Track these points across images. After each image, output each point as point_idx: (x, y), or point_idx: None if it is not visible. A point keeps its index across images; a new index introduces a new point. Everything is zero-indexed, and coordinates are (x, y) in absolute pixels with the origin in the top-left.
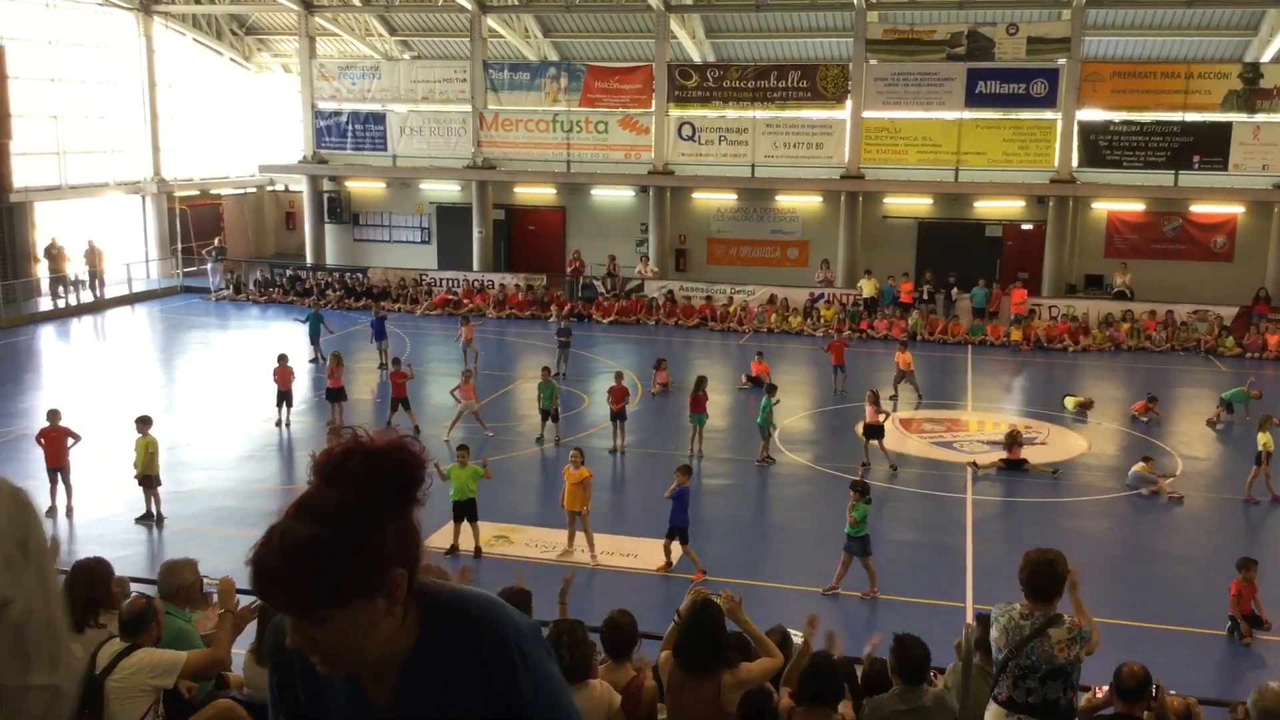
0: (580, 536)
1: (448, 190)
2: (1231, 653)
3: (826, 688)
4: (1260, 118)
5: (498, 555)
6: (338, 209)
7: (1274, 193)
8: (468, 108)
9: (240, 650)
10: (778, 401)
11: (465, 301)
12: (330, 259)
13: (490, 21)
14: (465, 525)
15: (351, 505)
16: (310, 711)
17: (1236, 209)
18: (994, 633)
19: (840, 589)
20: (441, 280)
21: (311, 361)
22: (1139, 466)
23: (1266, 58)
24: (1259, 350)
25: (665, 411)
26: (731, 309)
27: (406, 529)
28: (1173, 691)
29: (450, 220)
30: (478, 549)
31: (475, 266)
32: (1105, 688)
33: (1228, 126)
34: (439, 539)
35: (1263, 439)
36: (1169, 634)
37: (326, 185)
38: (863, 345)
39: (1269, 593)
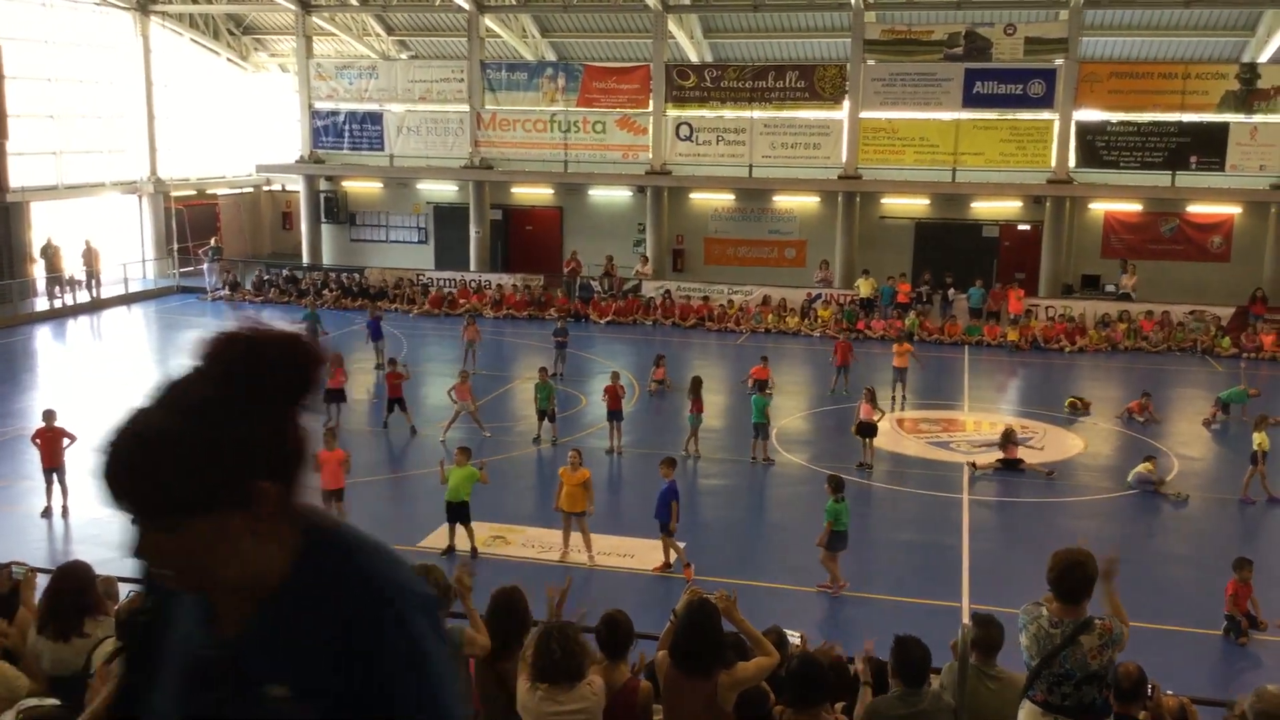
0: (575, 538)
1: (445, 190)
2: (1227, 653)
3: (814, 689)
4: (1258, 118)
5: (495, 556)
6: (334, 209)
7: (1271, 193)
8: (465, 108)
9: None
10: (770, 394)
11: (463, 301)
12: (327, 259)
13: (488, 21)
14: (460, 528)
15: (220, 400)
16: (160, 634)
17: (1233, 209)
18: (1023, 640)
19: (838, 588)
20: (438, 280)
21: None
22: (1142, 467)
23: (1264, 58)
24: (1255, 350)
25: (662, 411)
26: (729, 309)
27: (287, 436)
28: (1169, 691)
29: (447, 220)
30: (474, 550)
31: (472, 266)
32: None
33: (1225, 127)
34: (435, 539)
35: (1258, 439)
36: (1165, 634)
37: (323, 185)
38: (860, 345)
39: (1264, 593)
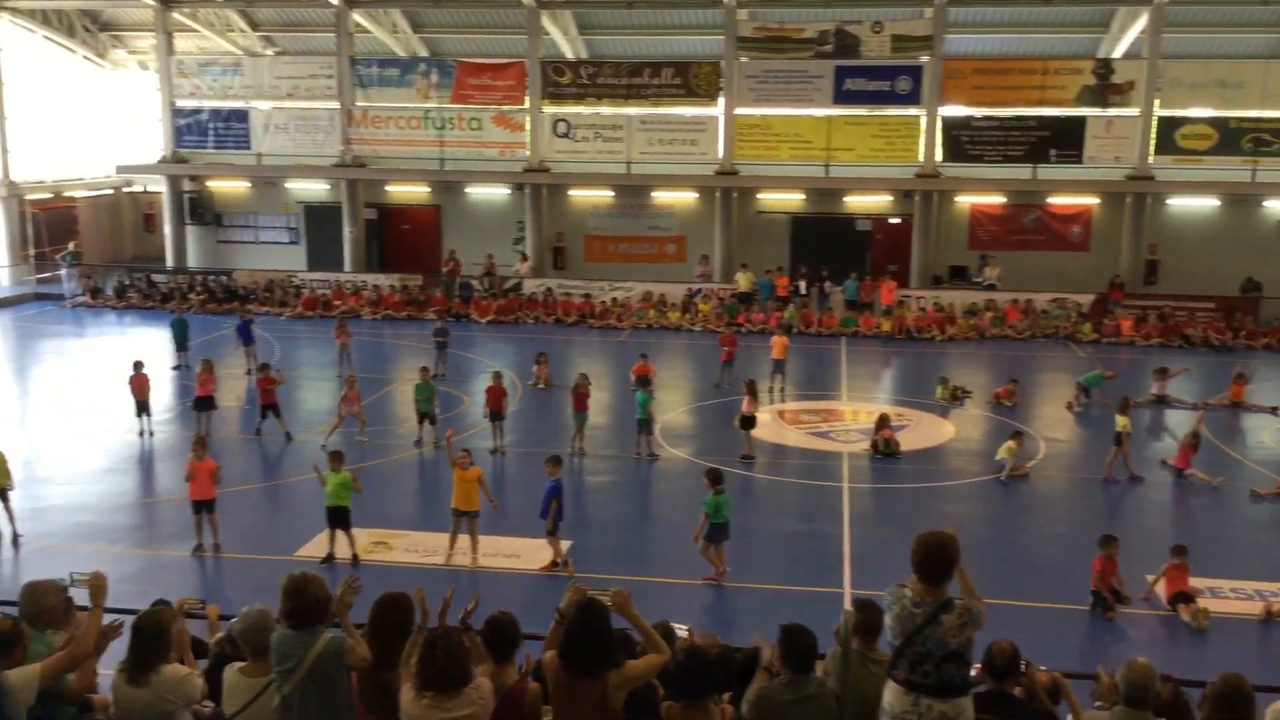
0: (463, 541)
1: (316, 189)
2: (1095, 627)
3: (701, 682)
4: (1112, 112)
5: (377, 562)
6: (200, 210)
7: (1126, 184)
8: (335, 104)
9: (109, 671)
10: (651, 390)
11: (338, 303)
12: (192, 262)
13: (357, 16)
14: (341, 535)
15: None
16: None
17: (1091, 200)
18: (887, 620)
19: (720, 576)
20: (312, 282)
21: (175, 369)
22: (1008, 445)
23: (1118, 54)
24: (1114, 335)
25: (545, 410)
26: (611, 306)
27: None
28: (1041, 667)
29: (320, 220)
30: (355, 557)
31: (347, 267)
32: (978, 666)
33: (1082, 120)
34: (313, 548)
35: (1121, 421)
36: (1036, 611)
37: (187, 185)
38: (741, 339)
39: (1129, 568)
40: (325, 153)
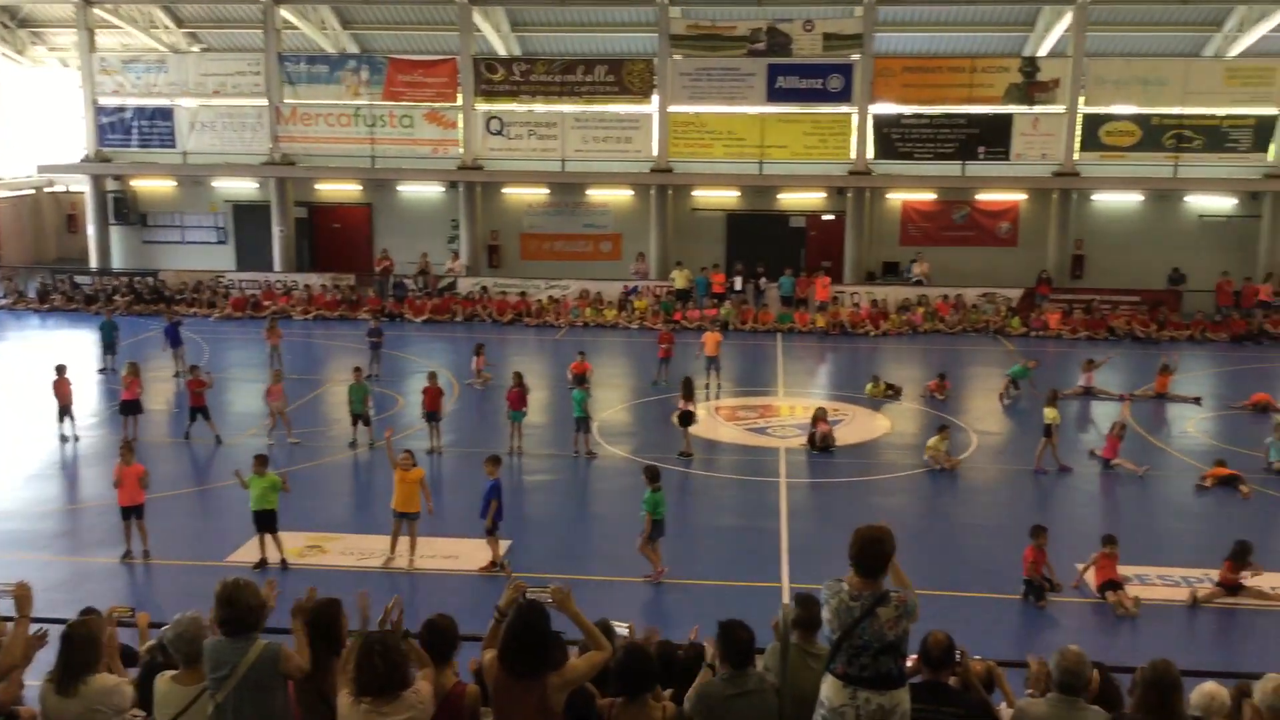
0: (403, 542)
1: (244, 188)
2: (1026, 615)
3: (642, 678)
4: (1039, 109)
5: (310, 566)
6: (124, 210)
7: (1053, 180)
8: (263, 102)
9: (36, 682)
10: (589, 388)
11: (268, 304)
12: (117, 262)
13: (284, 12)
14: (270, 539)
15: None
16: None
17: (1019, 196)
18: (825, 614)
19: (658, 574)
20: (241, 283)
21: (101, 372)
22: (933, 441)
23: (1043, 52)
24: (1042, 329)
25: (482, 410)
26: (547, 304)
27: None
28: (976, 656)
29: (249, 219)
30: (283, 561)
31: (277, 267)
32: (913, 657)
33: (1009, 118)
34: (244, 553)
35: (1050, 413)
36: (969, 601)
37: (111, 185)
38: (678, 336)
39: (1058, 558)
40: (253, 151)
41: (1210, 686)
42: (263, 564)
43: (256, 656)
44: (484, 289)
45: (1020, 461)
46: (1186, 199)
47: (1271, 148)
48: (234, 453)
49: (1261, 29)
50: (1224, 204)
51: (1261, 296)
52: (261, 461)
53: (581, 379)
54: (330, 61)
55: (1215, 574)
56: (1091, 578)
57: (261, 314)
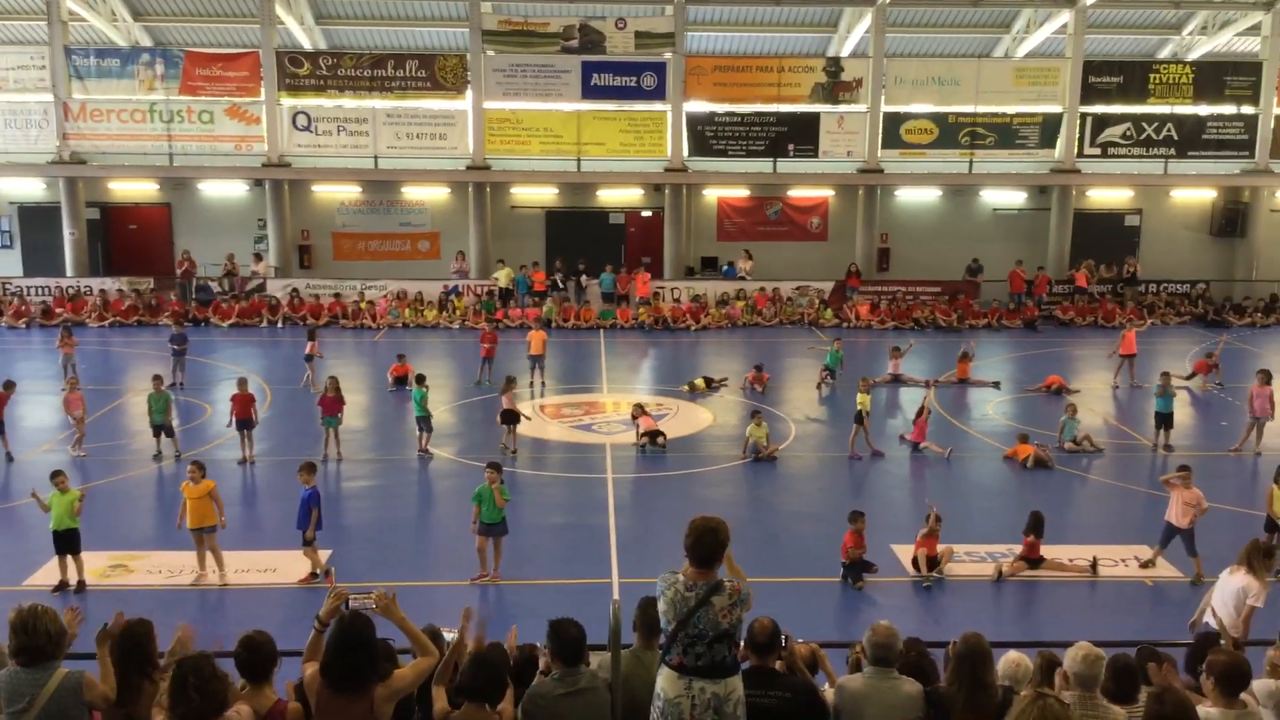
0: (211, 557)
1: (30, 188)
2: (846, 597)
3: (487, 683)
4: (843, 108)
5: (114, 586)
6: None
7: (858, 176)
8: (49, 97)
9: None
10: (427, 388)
11: (59, 311)
12: None
13: (70, 3)
14: (71, 560)
15: None
16: None
17: (827, 192)
18: (661, 605)
19: (490, 575)
20: (28, 289)
21: None
22: (751, 426)
23: (846, 52)
24: (853, 320)
25: (297, 415)
26: (363, 305)
27: None
28: (800, 639)
29: (36, 222)
30: (80, 583)
31: (69, 272)
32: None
33: (816, 116)
34: (43, 576)
35: (861, 399)
36: (792, 586)
37: None
38: (500, 335)
39: (874, 539)
40: (39, 149)
41: (1015, 655)
42: (62, 586)
43: (57, 686)
44: (294, 291)
45: (836, 448)
46: (982, 194)
47: (1058, 144)
48: (26, 469)
49: (1045, 31)
50: (1016, 198)
51: (1080, 283)
52: (61, 477)
53: (402, 381)
54: (121, 55)
55: (1018, 549)
56: (922, 556)
57: (52, 322)
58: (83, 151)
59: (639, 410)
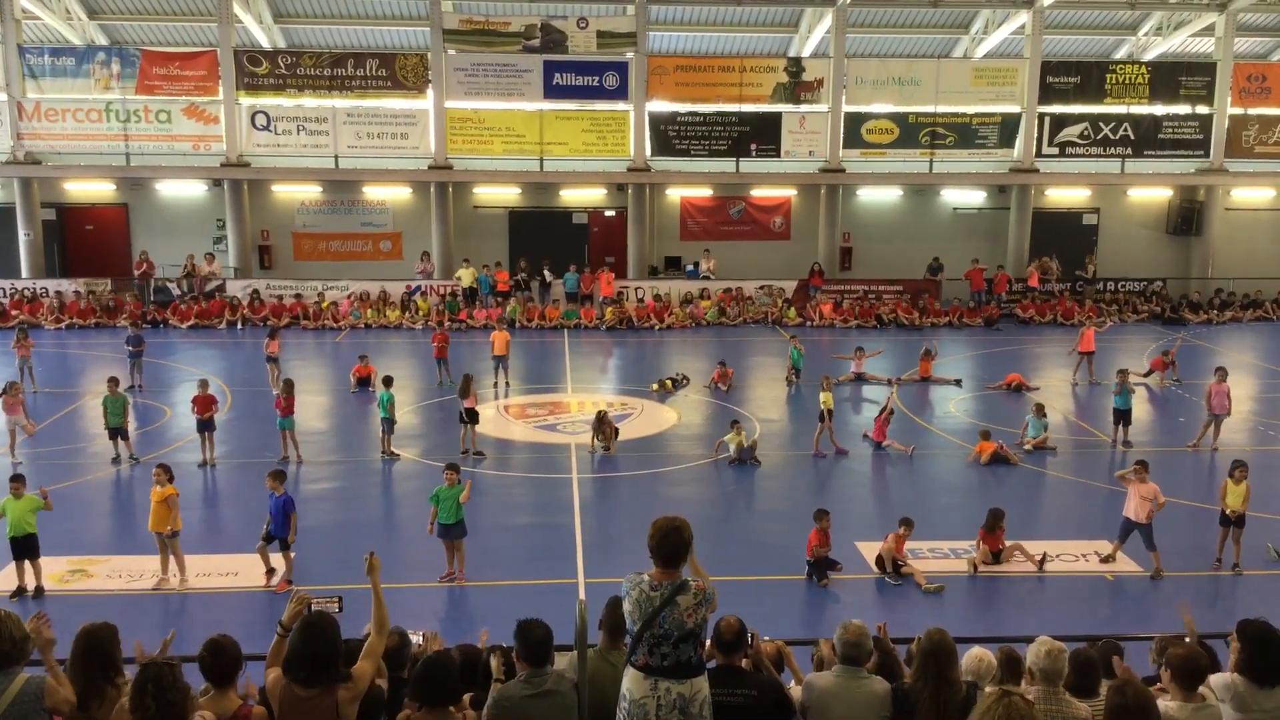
0: (174, 561)
1: None
2: (811, 594)
3: (441, 687)
4: (805, 108)
5: (75, 592)
6: None
7: (820, 176)
8: (3, 96)
9: None
10: (390, 389)
11: (15, 313)
12: None
13: (24, 1)
14: (30, 565)
15: None
16: None
17: (790, 192)
18: (626, 606)
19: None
20: None
21: None
22: (730, 434)
23: (807, 53)
24: (817, 319)
25: (257, 417)
26: (325, 306)
27: None
28: (766, 637)
29: None
30: (39, 588)
31: (25, 273)
32: (707, 642)
33: (778, 116)
34: (0, 582)
35: (824, 398)
36: (758, 584)
37: None
38: (465, 335)
39: (838, 537)
40: None
41: (978, 651)
42: (21, 592)
43: (18, 691)
44: (254, 292)
45: (801, 446)
46: (942, 193)
47: (1016, 144)
48: None
49: (1004, 31)
50: (975, 197)
51: (1031, 283)
52: (20, 481)
53: (365, 382)
54: (77, 54)
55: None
56: (898, 554)
57: (7, 324)
58: (38, 151)
59: (602, 416)
